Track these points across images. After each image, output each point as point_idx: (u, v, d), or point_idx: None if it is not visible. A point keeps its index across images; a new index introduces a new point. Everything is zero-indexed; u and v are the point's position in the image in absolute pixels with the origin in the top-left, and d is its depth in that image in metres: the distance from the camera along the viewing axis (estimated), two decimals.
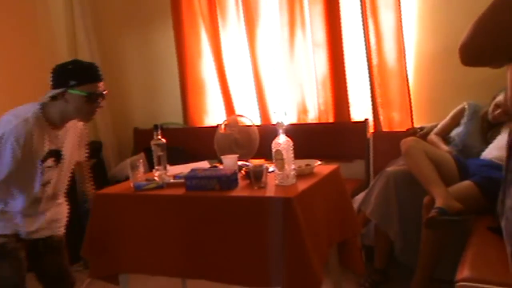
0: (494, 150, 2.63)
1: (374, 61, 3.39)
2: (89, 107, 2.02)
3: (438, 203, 2.31)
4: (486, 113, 2.83)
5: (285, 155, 2.00)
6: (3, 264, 2.04)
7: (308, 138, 3.37)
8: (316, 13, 3.51)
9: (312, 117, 3.70)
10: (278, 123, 2.02)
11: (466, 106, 2.93)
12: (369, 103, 3.46)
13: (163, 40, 4.19)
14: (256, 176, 2.04)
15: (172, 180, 2.20)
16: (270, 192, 1.97)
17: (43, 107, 2.02)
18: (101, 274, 2.24)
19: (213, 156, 2.68)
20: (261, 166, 2.08)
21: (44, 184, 2.12)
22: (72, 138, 2.21)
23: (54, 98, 1.99)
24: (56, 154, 2.10)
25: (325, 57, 3.53)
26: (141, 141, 4.17)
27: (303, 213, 1.84)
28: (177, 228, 2.01)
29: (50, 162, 2.08)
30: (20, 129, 1.93)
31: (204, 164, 2.51)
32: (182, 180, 2.12)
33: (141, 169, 2.24)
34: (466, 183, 2.50)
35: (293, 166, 2.04)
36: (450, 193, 2.38)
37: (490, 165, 2.54)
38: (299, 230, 1.80)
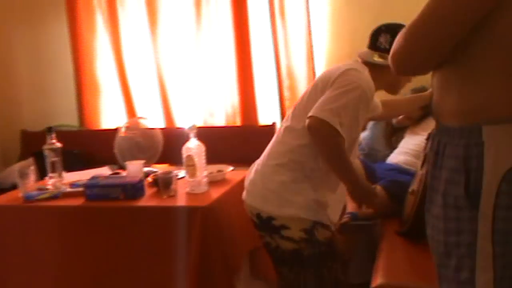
0: (400, 155, 2.69)
1: (283, 63, 3.37)
2: (405, 78, 1.86)
3: (350, 208, 2.32)
4: None
5: (197, 161, 1.88)
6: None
7: (216, 142, 3.23)
8: (223, 13, 3.42)
9: (219, 120, 3.60)
10: (190, 127, 1.91)
11: None
12: (277, 106, 3.44)
13: (56, 35, 3.89)
14: (165, 184, 1.91)
15: (69, 189, 2.04)
16: (181, 201, 1.86)
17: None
18: None
19: (112, 161, 2.52)
20: (170, 172, 1.97)
21: None
22: None
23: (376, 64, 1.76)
24: None
25: (232, 58, 3.45)
26: (30, 144, 3.84)
27: (218, 222, 1.75)
28: (75, 243, 1.84)
29: None
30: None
31: (105, 171, 2.36)
32: (81, 189, 1.97)
33: (32, 177, 2.04)
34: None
35: (205, 173, 1.93)
36: None
37: (398, 169, 2.60)
38: (213, 240, 1.70)
